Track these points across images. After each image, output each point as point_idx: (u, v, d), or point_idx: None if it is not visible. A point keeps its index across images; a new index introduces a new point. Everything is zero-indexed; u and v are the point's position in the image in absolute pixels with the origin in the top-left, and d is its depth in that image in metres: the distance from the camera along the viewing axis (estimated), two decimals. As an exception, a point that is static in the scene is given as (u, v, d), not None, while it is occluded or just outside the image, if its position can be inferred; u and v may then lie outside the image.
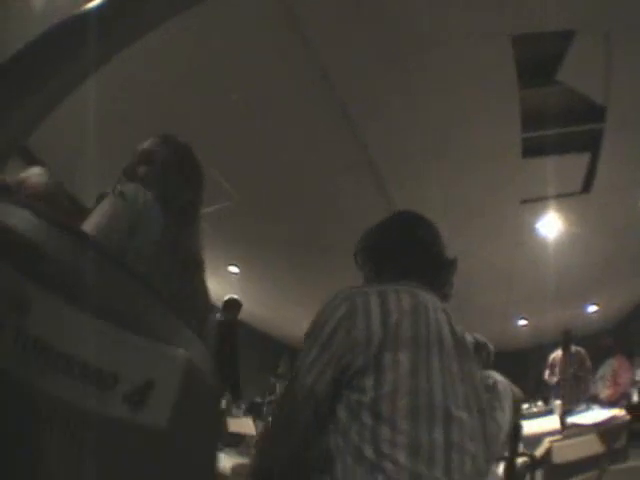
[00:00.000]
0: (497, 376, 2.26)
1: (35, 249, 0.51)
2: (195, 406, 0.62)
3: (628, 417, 4.91)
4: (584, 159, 4.56)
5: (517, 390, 2.36)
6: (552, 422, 5.40)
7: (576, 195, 4.89)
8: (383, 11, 3.33)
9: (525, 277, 5.94)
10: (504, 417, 2.07)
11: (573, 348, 5.86)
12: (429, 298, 1.16)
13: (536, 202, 4.87)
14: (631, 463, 4.30)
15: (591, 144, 4.42)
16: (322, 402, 1.03)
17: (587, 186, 4.81)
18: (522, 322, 7.68)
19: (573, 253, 5.62)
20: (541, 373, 5.97)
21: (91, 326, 0.51)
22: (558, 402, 5.69)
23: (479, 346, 2.37)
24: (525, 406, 7.29)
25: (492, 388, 2.13)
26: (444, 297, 1.30)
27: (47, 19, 0.67)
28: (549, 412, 6.14)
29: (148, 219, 1.46)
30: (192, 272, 1.57)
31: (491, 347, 2.61)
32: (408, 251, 1.31)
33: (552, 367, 5.85)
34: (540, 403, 6.19)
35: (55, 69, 0.70)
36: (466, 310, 7.35)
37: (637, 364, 6.09)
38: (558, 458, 4.48)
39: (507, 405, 2.14)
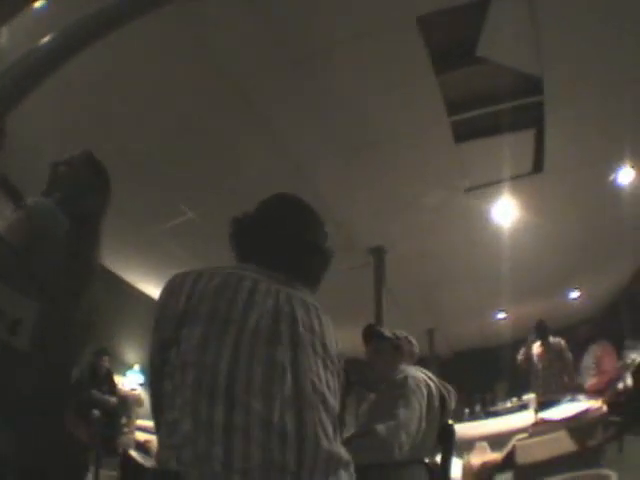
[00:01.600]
0: (413, 372, 2.25)
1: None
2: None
3: (604, 409, 4.56)
4: (529, 137, 4.26)
5: (447, 390, 2.33)
6: (525, 418, 5.09)
7: (528, 176, 4.58)
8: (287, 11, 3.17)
9: (490, 269, 5.64)
10: (408, 414, 2.06)
11: (551, 339, 5.53)
12: (260, 283, 1.14)
13: (483, 188, 4.58)
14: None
15: (534, 120, 4.13)
16: (158, 372, 1.11)
17: (538, 165, 4.51)
18: (501, 315, 7.34)
19: (538, 239, 5.31)
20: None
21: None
22: (532, 396, 5.38)
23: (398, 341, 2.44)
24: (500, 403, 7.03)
25: (401, 384, 2.15)
26: (311, 288, 1.26)
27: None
28: (523, 407, 5.84)
29: (52, 227, 1.69)
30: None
31: (416, 347, 2.56)
32: (258, 232, 1.28)
33: (527, 358, 5.51)
34: (514, 399, 5.90)
35: None
36: (437, 311, 7.12)
37: (630, 348, 5.70)
38: (522, 459, 4.16)
39: (416, 402, 2.10)
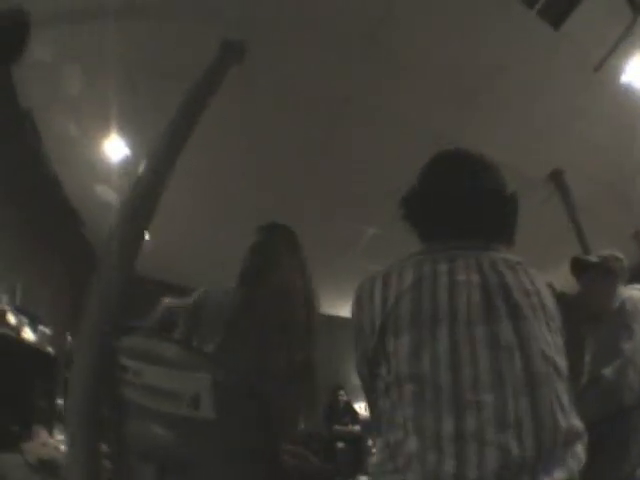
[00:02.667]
0: (629, 293, 2.03)
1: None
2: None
3: None
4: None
5: None
6: None
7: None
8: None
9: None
10: (633, 344, 1.80)
11: None
12: (457, 259, 1.03)
13: (611, 57, 3.80)
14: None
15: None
16: (370, 389, 1.05)
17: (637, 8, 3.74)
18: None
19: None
20: None
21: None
22: None
23: (604, 263, 2.17)
24: None
25: (618, 312, 1.94)
26: (508, 243, 1.13)
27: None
28: None
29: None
30: None
31: (625, 262, 2.24)
32: (432, 203, 1.14)
33: None
34: None
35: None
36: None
37: None
38: None
39: (638, 327, 1.85)
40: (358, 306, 1.07)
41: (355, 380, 5.49)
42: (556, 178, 4.64)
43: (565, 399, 0.92)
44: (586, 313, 2.16)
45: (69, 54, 3.52)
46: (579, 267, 2.26)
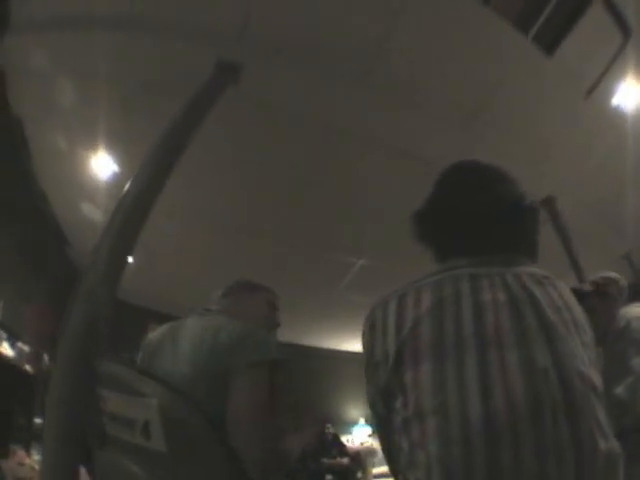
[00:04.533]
0: (633, 312, 1.98)
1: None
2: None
3: None
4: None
5: None
6: None
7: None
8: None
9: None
10: None
11: None
12: (480, 277, 0.94)
13: (601, 82, 3.85)
14: None
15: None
16: (384, 424, 0.95)
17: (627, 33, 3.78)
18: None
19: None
20: None
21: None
22: None
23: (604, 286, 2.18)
24: None
25: (624, 330, 1.90)
26: (532, 256, 1.05)
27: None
28: None
29: None
30: None
31: (622, 281, 2.25)
32: (449, 217, 1.05)
33: None
34: None
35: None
36: (624, 229, 5.96)
37: None
38: None
39: None
40: (369, 332, 0.97)
41: (342, 414, 5.72)
42: (548, 205, 4.62)
43: (603, 418, 0.85)
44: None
45: (65, 64, 3.47)
46: (576, 296, 2.24)
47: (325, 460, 5.24)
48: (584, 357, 0.90)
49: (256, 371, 1.29)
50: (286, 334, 6.39)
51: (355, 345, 6.46)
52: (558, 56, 3.57)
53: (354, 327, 6.03)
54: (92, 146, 3.92)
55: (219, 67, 3.05)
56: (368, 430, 6.98)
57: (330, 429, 5.67)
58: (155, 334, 1.53)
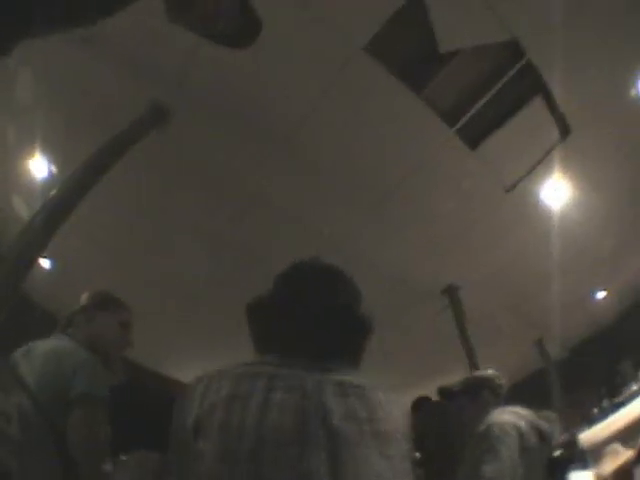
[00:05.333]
0: (498, 417, 1.96)
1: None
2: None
3: None
4: (539, 105, 3.79)
5: (547, 419, 2.07)
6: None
7: (561, 145, 4.04)
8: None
9: (571, 255, 4.93)
10: (497, 466, 1.76)
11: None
12: (278, 378, 0.97)
13: (523, 180, 4.05)
14: None
15: (534, 85, 3.69)
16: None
17: (564, 128, 3.98)
18: (601, 295, 6.40)
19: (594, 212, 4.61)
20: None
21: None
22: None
23: (477, 386, 2.16)
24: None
25: (484, 435, 1.87)
26: (351, 364, 1.07)
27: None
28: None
29: None
30: None
31: (498, 380, 2.23)
32: (271, 313, 1.11)
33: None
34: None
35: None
36: (536, 319, 6.14)
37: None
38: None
39: (505, 451, 1.81)
40: (182, 401, 1.02)
41: None
42: (450, 293, 4.81)
43: None
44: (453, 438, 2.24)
45: (28, 58, 3.52)
46: (445, 396, 2.30)
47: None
48: (382, 468, 0.92)
49: (86, 405, 1.46)
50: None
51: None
52: (482, 151, 3.77)
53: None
54: (32, 146, 3.99)
55: (152, 107, 3.23)
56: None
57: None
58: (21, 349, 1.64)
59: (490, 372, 2.25)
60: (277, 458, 0.87)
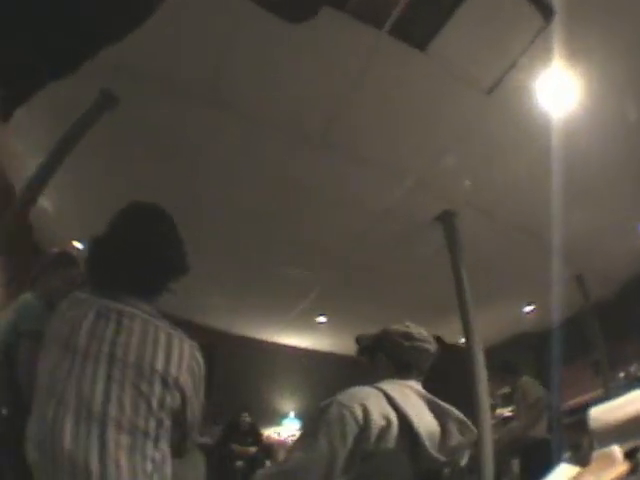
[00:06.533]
0: (352, 393, 1.49)
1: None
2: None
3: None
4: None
5: (441, 412, 1.50)
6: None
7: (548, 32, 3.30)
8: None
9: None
10: (308, 456, 1.39)
11: None
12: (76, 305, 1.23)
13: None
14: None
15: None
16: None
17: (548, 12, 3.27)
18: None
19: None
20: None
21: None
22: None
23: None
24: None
25: (317, 414, 1.47)
26: (142, 296, 1.25)
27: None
28: None
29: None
30: None
31: (408, 342, 1.65)
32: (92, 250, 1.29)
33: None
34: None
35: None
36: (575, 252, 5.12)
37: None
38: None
39: (334, 432, 1.38)
40: (56, 311, 1.27)
41: (272, 405, 5.69)
42: (445, 220, 4.17)
43: (137, 460, 1.06)
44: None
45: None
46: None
47: (235, 447, 5.45)
48: (104, 386, 1.10)
49: (25, 339, 1.83)
50: (223, 323, 6.52)
51: (291, 339, 7.04)
52: (432, 51, 3.19)
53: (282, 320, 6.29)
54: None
55: (102, 94, 3.45)
56: (297, 424, 7.00)
57: (247, 417, 5.76)
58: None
59: (403, 329, 1.67)
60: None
